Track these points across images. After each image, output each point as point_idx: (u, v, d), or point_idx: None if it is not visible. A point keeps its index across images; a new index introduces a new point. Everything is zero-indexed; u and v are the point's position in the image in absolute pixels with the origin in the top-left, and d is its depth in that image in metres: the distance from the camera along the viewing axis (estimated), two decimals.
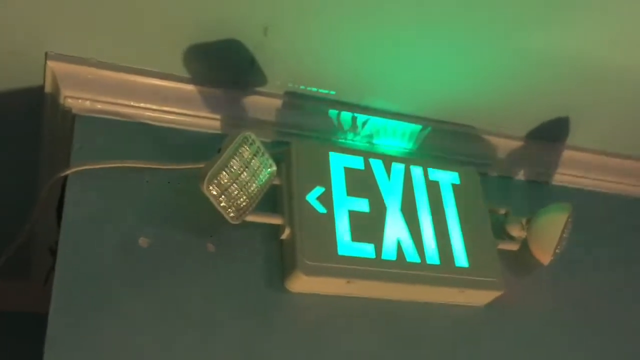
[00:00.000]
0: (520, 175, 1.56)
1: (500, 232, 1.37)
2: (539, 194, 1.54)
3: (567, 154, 1.57)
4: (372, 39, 1.22)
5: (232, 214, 1.10)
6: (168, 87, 1.26)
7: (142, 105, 1.26)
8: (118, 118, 1.25)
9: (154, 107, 1.27)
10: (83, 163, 1.15)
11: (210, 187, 1.06)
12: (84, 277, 1.05)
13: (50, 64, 1.17)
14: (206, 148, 1.14)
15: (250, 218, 1.15)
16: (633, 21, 1.21)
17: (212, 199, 1.07)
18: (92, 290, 1.04)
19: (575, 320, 1.36)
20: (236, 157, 1.09)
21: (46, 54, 1.17)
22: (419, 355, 1.18)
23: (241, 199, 1.11)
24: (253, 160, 1.12)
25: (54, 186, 1.17)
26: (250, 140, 1.11)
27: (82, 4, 1.08)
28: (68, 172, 1.14)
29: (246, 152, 1.10)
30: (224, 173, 1.07)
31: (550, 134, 1.54)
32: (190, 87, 1.28)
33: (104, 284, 1.06)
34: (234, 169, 1.08)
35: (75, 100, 1.22)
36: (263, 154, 1.13)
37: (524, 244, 1.36)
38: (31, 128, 1.34)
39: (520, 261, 1.36)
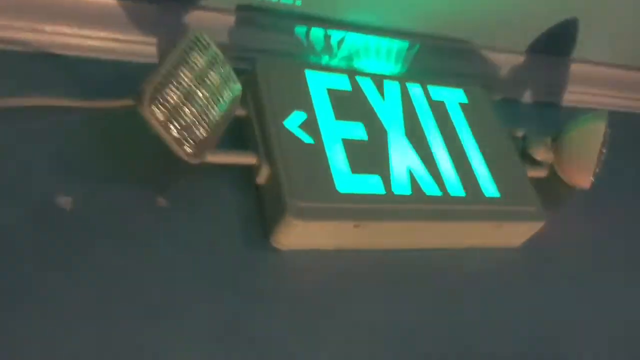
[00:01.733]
0: (526, 97, 1.31)
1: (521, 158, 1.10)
2: (550, 117, 1.30)
3: (577, 68, 1.33)
4: None
5: (189, 149, 0.79)
6: (84, 2, 0.94)
7: (48, 28, 0.94)
8: (14, 48, 0.91)
9: (66, 30, 0.95)
10: None
11: (154, 108, 0.74)
12: None
13: None
14: (139, 82, 0.82)
15: (212, 159, 0.84)
16: None
17: (157, 127, 0.76)
18: None
19: (626, 256, 1.11)
20: (185, 67, 0.78)
21: None
22: (452, 317, 0.90)
23: (199, 129, 0.80)
24: (210, 74, 0.81)
25: None
26: (202, 43, 0.80)
27: None
28: None
29: (199, 60, 0.80)
30: (172, 88, 0.76)
31: (556, 46, 1.30)
32: (112, 1, 0.96)
33: (13, 264, 0.73)
34: (184, 82, 0.77)
35: None
36: (223, 65, 0.83)
37: (551, 169, 1.10)
38: None
39: (549, 191, 1.10)
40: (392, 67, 1.18)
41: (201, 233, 0.84)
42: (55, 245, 0.76)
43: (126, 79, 0.93)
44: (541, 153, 1.10)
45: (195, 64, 0.78)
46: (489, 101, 1.11)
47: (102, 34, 0.97)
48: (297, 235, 0.83)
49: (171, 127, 0.76)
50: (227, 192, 0.89)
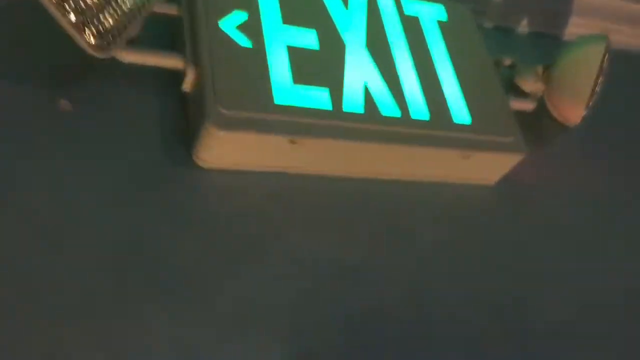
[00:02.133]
0: (522, 26, 1.16)
1: (507, 89, 0.96)
2: (547, 49, 1.14)
3: None
4: None
5: (92, 39, 0.66)
6: None
7: None
8: None
9: None
10: None
11: None
12: None
13: None
14: None
15: (128, 57, 0.71)
16: None
17: (52, 9, 0.63)
18: None
19: (610, 199, 0.98)
20: None
21: None
22: (402, 257, 0.77)
23: (105, 15, 0.67)
24: None
25: None
26: None
27: None
28: None
29: None
30: None
31: None
32: None
33: None
34: None
35: None
36: None
37: (540, 102, 0.96)
38: None
39: (535, 126, 0.96)
40: None
41: (110, 144, 0.72)
42: None
43: None
44: (530, 83, 0.96)
45: None
46: (473, 21, 0.97)
47: None
48: (220, 150, 0.71)
49: (67, 8, 0.63)
50: (149, 100, 0.77)
